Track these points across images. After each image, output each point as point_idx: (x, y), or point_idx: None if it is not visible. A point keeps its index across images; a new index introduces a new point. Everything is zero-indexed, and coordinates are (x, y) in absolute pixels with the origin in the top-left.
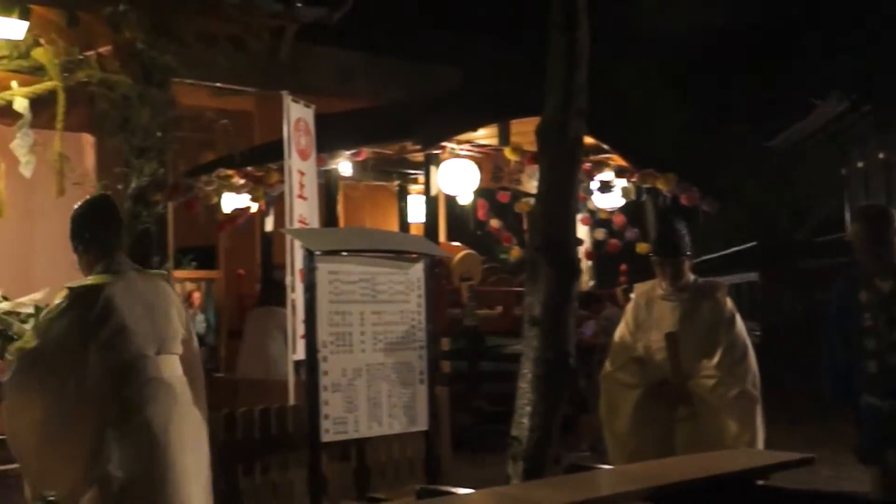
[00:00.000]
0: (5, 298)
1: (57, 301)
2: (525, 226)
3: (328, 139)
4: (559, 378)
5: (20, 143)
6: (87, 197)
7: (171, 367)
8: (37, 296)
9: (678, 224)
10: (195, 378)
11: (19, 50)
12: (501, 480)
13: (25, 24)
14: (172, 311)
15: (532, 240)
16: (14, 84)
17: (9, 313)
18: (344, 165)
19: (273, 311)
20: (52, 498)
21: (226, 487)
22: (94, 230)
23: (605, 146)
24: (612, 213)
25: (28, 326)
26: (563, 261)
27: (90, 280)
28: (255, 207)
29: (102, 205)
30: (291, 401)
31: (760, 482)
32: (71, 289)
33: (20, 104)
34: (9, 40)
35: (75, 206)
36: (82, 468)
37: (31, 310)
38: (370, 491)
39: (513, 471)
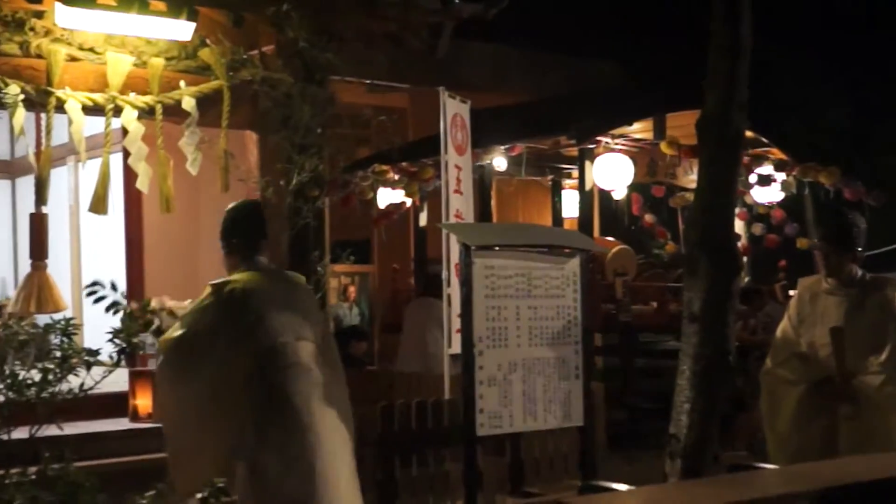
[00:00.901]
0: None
1: (201, 297)
2: (680, 220)
3: (483, 134)
4: (719, 375)
5: (188, 141)
6: (239, 202)
7: (309, 353)
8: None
9: (850, 214)
10: (334, 366)
11: (187, 51)
12: (655, 478)
13: (193, 26)
14: (307, 305)
15: (691, 235)
16: (182, 84)
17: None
18: (498, 160)
19: (430, 302)
20: (221, 485)
21: (383, 478)
22: (239, 237)
23: (764, 139)
24: (770, 207)
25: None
26: (724, 256)
27: (231, 277)
28: (409, 202)
29: (249, 213)
30: (447, 394)
31: None
32: (213, 285)
33: (188, 103)
34: (177, 41)
35: (227, 208)
36: (230, 442)
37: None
38: (525, 485)
39: (670, 468)
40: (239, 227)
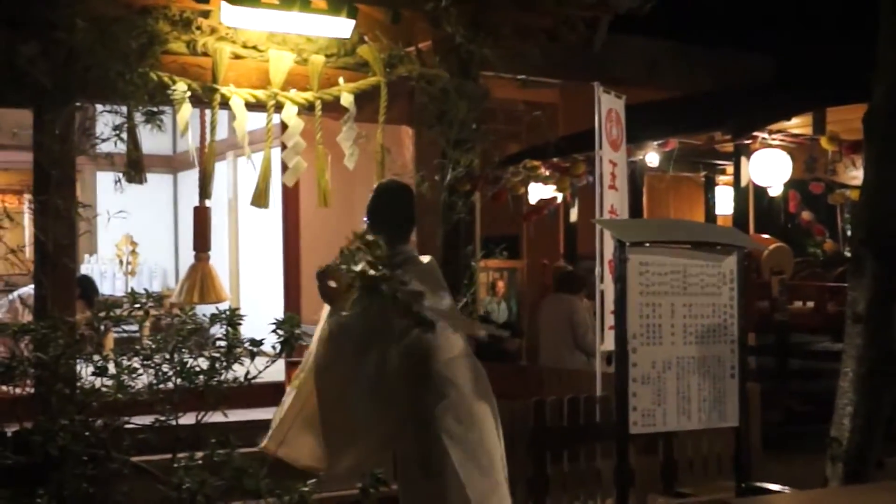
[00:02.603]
0: None
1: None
2: (839, 218)
3: (635, 129)
4: (884, 378)
5: (345, 136)
6: (387, 182)
7: (460, 345)
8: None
9: None
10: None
11: (346, 48)
12: (811, 481)
13: (352, 23)
14: (448, 295)
15: (856, 233)
16: (341, 80)
17: None
18: (650, 156)
19: (560, 298)
20: (380, 474)
21: (534, 474)
22: (383, 217)
23: None
24: None
25: None
26: (891, 255)
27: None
28: (559, 198)
29: (396, 195)
30: (598, 391)
31: None
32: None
33: (346, 99)
34: (337, 39)
35: (376, 186)
36: (390, 429)
37: None
38: (677, 485)
39: (831, 473)
40: (381, 209)
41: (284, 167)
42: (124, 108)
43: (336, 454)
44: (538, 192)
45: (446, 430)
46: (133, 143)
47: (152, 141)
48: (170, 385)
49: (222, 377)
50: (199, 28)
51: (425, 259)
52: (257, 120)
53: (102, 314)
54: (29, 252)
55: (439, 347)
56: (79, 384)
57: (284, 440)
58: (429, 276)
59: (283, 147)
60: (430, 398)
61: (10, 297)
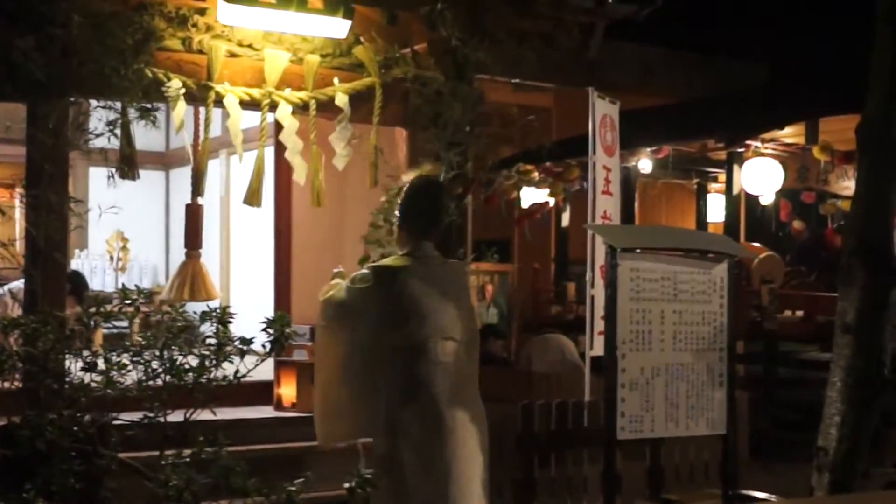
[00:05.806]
0: None
1: (364, 271)
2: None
3: (629, 135)
4: (871, 388)
5: (339, 137)
6: (420, 177)
7: (453, 352)
8: None
9: None
10: (475, 363)
11: (341, 48)
12: (798, 490)
13: (348, 24)
14: (462, 300)
15: (847, 243)
16: (335, 80)
17: None
18: (643, 163)
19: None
20: (368, 476)
21: (521, 478)
22: (412, 213)
23: None
24: None
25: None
26: (881, 265)
27: (392, 261)
28: (551, 202)
29: (428, 190)
30: (587, 396)
31: None
32: (374, 268)
33: (341, 99)
34: (332, 39)
35: (409, 180)
36: (374, 413)
37: None
38: (663, 492)
39: (817, 482)
40: (411, 204)
41: (277, 165)
42: (118, 104)
43: (329, 426)
44: (530, 196)
45: (406, 433)
46: (126, 139)
47: (145, 137)
48: (159, 382)
49: (211, 375)
50: (194, 25)
51: (458, 267)
52: (251, 118)
53: (92, 310)
54: (20, 246)
55: (428, 350)
56: (68, 379)
57: (330, 434)
58: (442, 280)
59: (276, 146)
60: (398, 399)
61: (0, 291)
